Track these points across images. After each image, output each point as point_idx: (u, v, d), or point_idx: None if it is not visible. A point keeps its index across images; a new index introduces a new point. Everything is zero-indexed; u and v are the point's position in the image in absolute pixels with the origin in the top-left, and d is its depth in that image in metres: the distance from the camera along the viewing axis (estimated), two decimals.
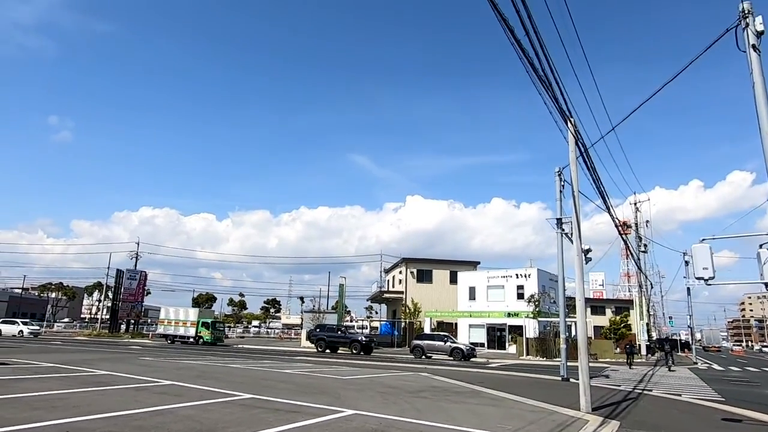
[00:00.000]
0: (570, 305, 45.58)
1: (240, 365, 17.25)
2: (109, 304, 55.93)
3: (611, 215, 19.49)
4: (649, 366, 30.65)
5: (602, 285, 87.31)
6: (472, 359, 29.57)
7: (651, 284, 45.92)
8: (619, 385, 16.65)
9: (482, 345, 41.78)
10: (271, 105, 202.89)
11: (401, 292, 49.08)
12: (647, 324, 46.22)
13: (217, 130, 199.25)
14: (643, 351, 40.28)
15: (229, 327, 66.77)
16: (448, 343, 29.88)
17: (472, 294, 43.93)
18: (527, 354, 34.21)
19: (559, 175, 18.76)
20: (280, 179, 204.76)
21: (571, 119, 11.09)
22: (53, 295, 77.07)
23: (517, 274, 41.88)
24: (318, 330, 34.22)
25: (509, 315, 40.13)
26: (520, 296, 40.21)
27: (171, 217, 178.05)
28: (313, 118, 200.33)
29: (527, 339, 35.37)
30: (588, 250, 20.68)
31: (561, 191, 19.12)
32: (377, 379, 14.19)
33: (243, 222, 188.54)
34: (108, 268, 56.83)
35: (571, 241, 15.91)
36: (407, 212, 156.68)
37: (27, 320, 49.30)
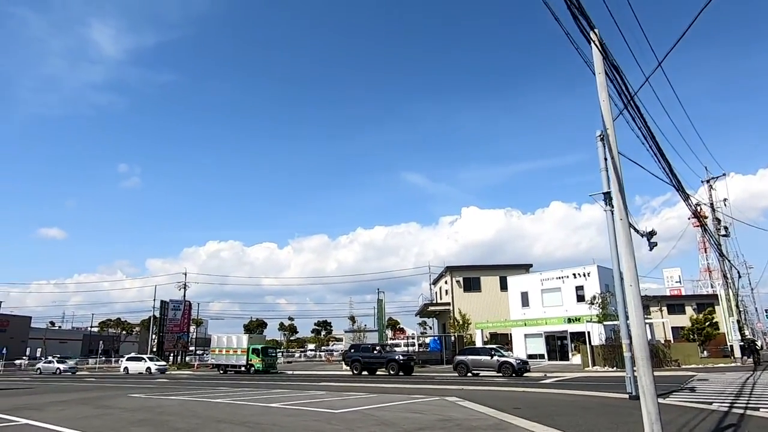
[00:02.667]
0: (642, 305, 40.18)
1: (233, 400, 14.59)
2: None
3: (677, 187, 15.38)
4: (747, 370, 25.20)
5: (679, 281, 78.44)
6: (525, 374, 25.51)
7: (738, 273, 39.50)
8: (710, 402, 12.47)
9: (541, 357, 37.23)
10: (320, 132, 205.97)
11: (448, 304, 45.34)
12: (738, 321, 39.69)
13: (272, 161, 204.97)
14: (737, 352, 34.13)
15: (282, 353, 65.28)
16: (496, 358, 25.99)
17: (525, 300, 39.52)
18: (593, 364, 29.54)
19: (602, 140, 15.11)
20: (336, 203, 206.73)
21: (595, 30, 7.71)
22: (113, 330, 79.15)
23: (574, 274, 37.16)
24: (352, 350, 31.31)
25: (569, 320, 35.42)
26: (581, 298, 35.50)
27: (235, 249, 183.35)
28: (363, 141, 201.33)
29: (592, 347, 30.70)
30: (652, 233, 16.62)
31: (606, 159, 15.35)
32: (378, 412, 11.03)
33: (302, 248, 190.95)
34: (154, 300, 57.07)
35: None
36: (463, 224, 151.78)
37: (152, 356, 46.39)
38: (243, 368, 36.15)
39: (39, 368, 45.41)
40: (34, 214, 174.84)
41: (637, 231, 16.50)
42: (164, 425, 9.14)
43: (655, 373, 21.18)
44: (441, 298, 49.85)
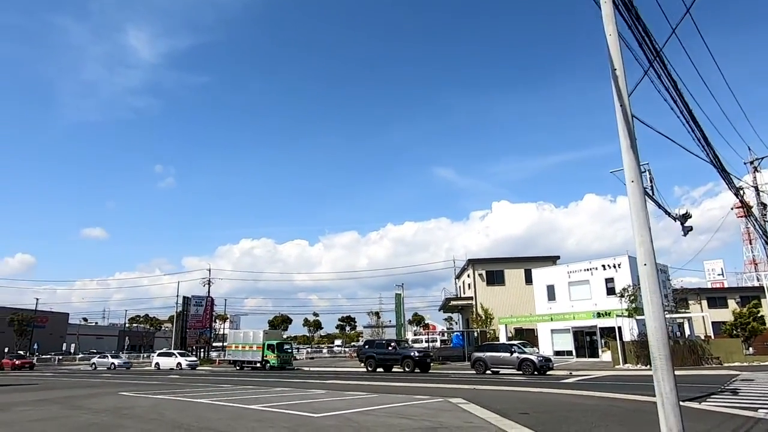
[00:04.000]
0: (678, 298, 37.46)
1: (217, 401, 13.56)
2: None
3: (714, 162, 13.44)
4: None
5: (722, 274, 73.93)
6: (548, 372, 23.74)
7: None
8: (755, 408, 10.62)
9: (569, 353, 35.14)
10: (349, 129, 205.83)
11: (470, 298, 43.59)
12: None
13: (302, 159, 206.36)
14: None
15: (297, 348, 64.80)
16: (516, 354, 24.26)
17: (551, 293, 37.42)
18: (625, 362, 27.43)
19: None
20: (365, 199, 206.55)
21: None
22: (142, 326, 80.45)
23: (604, 265, 34.84)
24: (366, 347, 30.07)
25: (599, 315, 33.24)
26: (611, 291, 33.19)
27: (268, 246, 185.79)
28: (392, 137, 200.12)
29: (623, 343, 28.55)
30: (686, 216, 14.75)
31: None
32: (362, 417, 9.72)
33: (333, 244, 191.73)
34: (177, 296, 57.39)
35: (652, 199, 10.57)
36: (494, 219, 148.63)
37: (184, 351, 46.39)
38: (259, 364, 35.46)
39: (94, 363, 45.15)
40: (77, 216, 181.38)
41: (668, 213, 14.58)
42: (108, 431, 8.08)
43: (694, 372, 18.98)
44: (464, 293, 48.12)
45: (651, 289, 5.21)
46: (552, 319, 36.09)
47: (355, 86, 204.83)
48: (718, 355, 27.40)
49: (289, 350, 38.15)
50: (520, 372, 23.80)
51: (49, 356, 68.78)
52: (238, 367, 36.82)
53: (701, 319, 39.12)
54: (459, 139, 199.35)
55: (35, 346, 66.51)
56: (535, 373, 23.31)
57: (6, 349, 73.52)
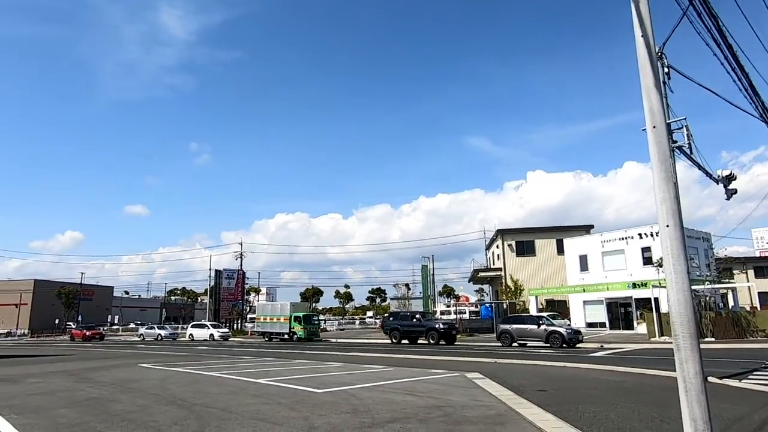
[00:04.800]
0: (722, 267, 35.31)
1: (226, 373, 13.44)
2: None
3: (764, 116, 11.96)
4: None
5: None
6: (577, 345, 22.83)
7: None
8: None
9: (602, 325, 33.95)
10: (380, 102, 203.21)
11: (499, 269, 42.59)
12: None
13: (336, 132, 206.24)
14: None
15: (325, 320, 65.55)
16: (543, 327, 23.39)
17: (583, 264, 36.03)
18: (661, 334, 26.13)
19: (660, 57, 11.95)
20: (398, 172, 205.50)
21: None
22: (179, 298, 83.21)
23: (640, 234, 33.11)
24: (391, 319, 29.75)
25: (634, 286, 31.78)
26: (647, 261, 31.60)
27: (302, 220, 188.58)
28: (426, 107, 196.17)
29: (660, 315, 27.16)
30: (731, 177, 13.34)
31: (665, 82, 12.18)
32: (367, 393, 9.24)
33: (366, 218, 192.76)
34: (210, 269, 58.66)
35: (689, 159, 9.41)
36: (529, 189, 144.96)
37: (216, 323, 47.10)
38: (286, 336, 35.86)
39: (142, 334, 46.78)
40: (120, 194, 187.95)
41: (708, 174, 13.27)
42: (103, 407, 7.86)
43: (736, 346, 17.60)
44: (494, 264, 47.09)
45: (675, 254, 4.33)
46: (584, 290, 34.82)
47: (388, 59, 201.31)
48: (764, 327, 25.73)
49: (316, 322, 38.39)
50: (548, 345, 22.99)
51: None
52: (266, 339, 37.39)
53: (747, 289, 36.96)
54: (494, 109, 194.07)
55: (79, 318, 69.79)
56: (564, 346, 22.46)
57: (56, 321, 77.86)
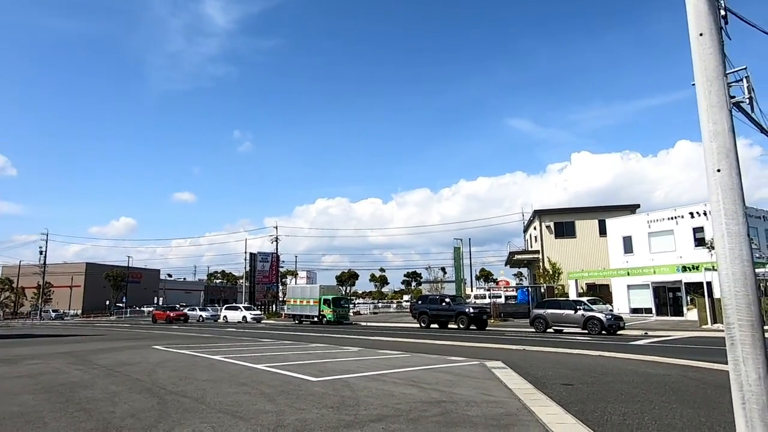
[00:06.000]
0: None
1: (231, 357, 12.84)
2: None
3: None
4: None
5: None
6: (618, 332, 21.13)
7: None
8: None
9: (648, 311, 31.74)
10: (420, 86, 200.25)
11: (537, 252, 40.65)
12: None
13: (375, 118, 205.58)
14: None
15: (355, 303, 65.16)
16: (581, 312, 21.76)
17: (627, 245, 33.71)
18: (714, 321, 23.95)
19: None
20: (437, 155, 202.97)
21: None
22: (219, 281, 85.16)
23: (692, 213, 30.51)
24: (419, 302, 28.73)
25: (684, 269, 29.37)
26: (700, 242, 29.11)
27: (343, 205, 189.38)
28: (466, 90, 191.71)
29: (713, 300, 24.91)
30: None
31: (724, 24, 10.34)
32: (365, 383, 8.29)
33: (406, 202, 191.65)
34: (245, 252, 59.35)
35: (749, 119, 7.79)
36: (573, 171, 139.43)
37: (250, 305, 47.36)
38: (316, 319, 35.55)
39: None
40: (169, 181, 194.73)
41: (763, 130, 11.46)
42: (71, 393, 7.26)
43: None
44: (531, 246, 45.09)
45: (729, 210, 3.04)
46: (629, 274, 32.58)
47: (425, 44, 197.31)
48: None
49: (345, 305, 37.87)
50: (586, 332, 21.38)
51: (140, 309, 75.11)
52: (297, 322, 37.25)
53: None
54: (537, 89, 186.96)
55: (123, 300, 72.47)
56: (603, 333, 20.82)
57: (107, 302, 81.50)
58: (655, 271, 31.07)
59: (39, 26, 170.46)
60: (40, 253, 74.95)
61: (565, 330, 22.84)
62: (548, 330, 23.01)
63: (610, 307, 30.24)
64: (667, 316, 30.45)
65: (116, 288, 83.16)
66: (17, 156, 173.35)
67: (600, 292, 35.73)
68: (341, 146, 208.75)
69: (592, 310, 21.95)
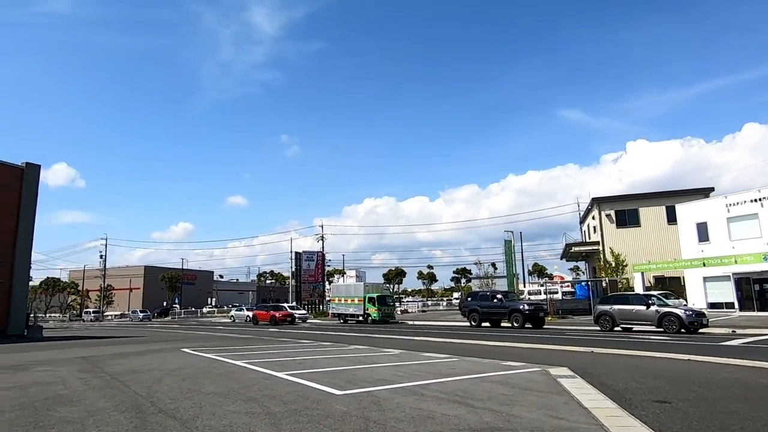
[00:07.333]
0: None
1: (252, 363, 11.62)
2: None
3: None
4: None
5: None
6: (700, 330, 18.42)
7: None
8: None
9: (729, 306, 28.28)
10: (464, 83, 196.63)
11: (596, 243, 37.54)
12: None
13: (420, 117, 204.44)
14: None
15: (400, 300, 63.34)
16: (654, 307, 19.15)
17: (702, 233, 30.24)
18: None
19: None
20: (484, 152, 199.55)
21: None
22: (269, 281, 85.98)
23: None
24: (469, 299, 26.77)
25: None
26: None
27: (390, 204, 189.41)
28: (512, 83, 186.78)
29: None
30: None
31: None
32: (400, 398, 6.69)
33: (453, 199, 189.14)
34: (291, 252, 59.15)
35: None
36: (629, 161, 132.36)
37: (294, 304, 46.57)
38: (361, 318, 34.26)
39: (232, 316, 47.82)
40: (222, 185, 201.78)
41: None
42: (47, 412, 6.10)
43: None
44: (589, 238, 41.87)
45: None
46: (704, 264, 29.17)
47: (468, 40, 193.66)
48: None
49: (391, 303, 36.34)
50: (661, 330, 18.78)
51: (194, 310, 76.92)
52: (342, 321, 36.12)
53: None
54: (588, 77, 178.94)
55: (176, 300, 74.24)
56: (682, 331, 18.18)
57: (164, 303, 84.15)
58: (737, 260, 27.56)
59: (102, 44, 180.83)
60: (100, 257, 78.24)
61: (635, 328, 20.30)
62: (615, 328, 20.53)
63: (685, 302, 27.10)
64: (753, 311, 26.92)
65: (172, 289, 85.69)
66: (85, 168, 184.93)
67: (670, 285, 32.37)
68: (387, 145, 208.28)
69: (667, 305, 19.30)
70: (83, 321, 64.95)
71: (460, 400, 6.53)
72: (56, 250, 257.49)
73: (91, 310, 67.09)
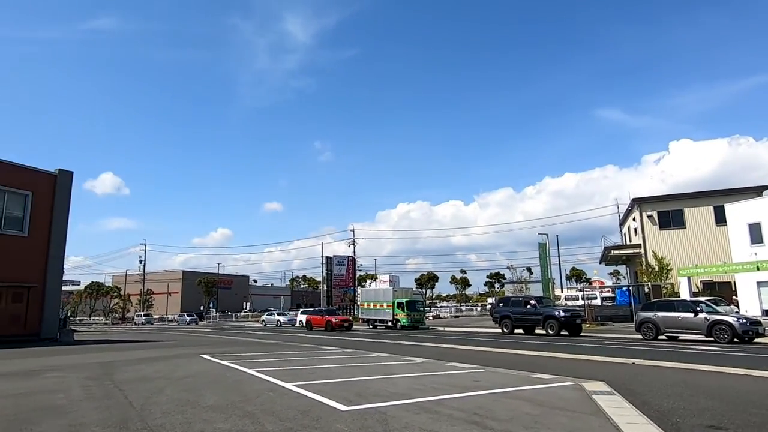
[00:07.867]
0: None
1: (269, 372, 11.14)
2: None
3: None
4: None
5: None
6: (756, 340, 16.85)
7: None
8: None
9: None
10: (498, 86, 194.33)
11: (637, 246, 35.61)
12: None
13: (453, 120, 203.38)
14: None
15: (430, 306, 62.05)
16: (703, 315, 17.67)
17: (756, 234, 28.09)
18: None
19: None
20: (519, 154, 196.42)
21: None
22: (303, 286, 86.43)
23: None
24: (501, 305, 25.64)
25: None
26: None
27: (423, 209, 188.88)
28: (547, 84, 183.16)
29: None
30: None
31: None
32: (407, 417, 5.99)
33: (488, 203, 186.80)
34: (322, 256, 59.07)
35: None
36: (672, 161, 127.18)
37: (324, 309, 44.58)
38: (390, 323, 33.57)
39: (264, 320, 48.50)
40: (259, 192, 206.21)
41: None
42: (24, 427, 5.72)
43: None
44: (630, 240, 39.83)
45: None
46: (759, 268, 27.00)
47: (501, 42, 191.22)
48: None
49: (421, 308, 35.46)
50: (710, 339, 17.29)
51: (229, 314, 78.00)
52: (371, 326, 35.53)
53: None
54: (627, 75, 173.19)
55: (211, 305, 75.36)
56: (735, 341, 16.66)
57: (201, 307, 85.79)
58: None
59: (144, 58, 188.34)
60: (140, 262, 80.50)
61: (682, 337, 18.83)
62: (659, 337, 19.09)
63: (736, 309, 25.18)
64: None
65: (208, 294, 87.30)
66: (130, 177, 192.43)
67: (720, 291, 30.29)
68: (420, 150, 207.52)
69: (717, 312, 17.78)
70: (135, 324, 66.39)
71: (478, 420, 5.78)
72: (102, 254, 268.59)
73: (142, 313, 69.05)
